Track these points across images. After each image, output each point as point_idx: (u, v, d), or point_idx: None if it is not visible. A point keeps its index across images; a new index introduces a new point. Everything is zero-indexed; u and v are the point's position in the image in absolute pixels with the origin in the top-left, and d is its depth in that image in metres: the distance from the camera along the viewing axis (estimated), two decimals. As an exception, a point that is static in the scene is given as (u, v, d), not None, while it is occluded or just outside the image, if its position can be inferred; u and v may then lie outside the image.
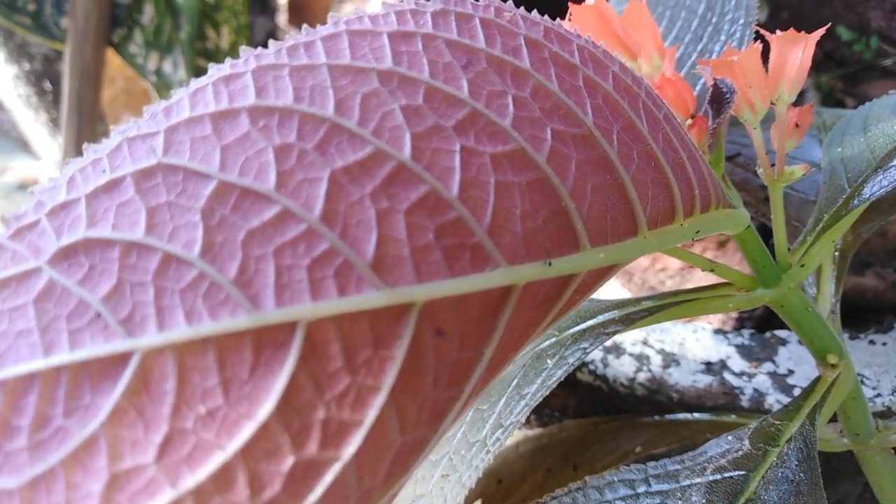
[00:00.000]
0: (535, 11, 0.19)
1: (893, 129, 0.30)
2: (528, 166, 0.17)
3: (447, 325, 0.15)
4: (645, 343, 0.43)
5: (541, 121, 0.17)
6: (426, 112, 0.16)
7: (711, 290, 0.30)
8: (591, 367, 0.42)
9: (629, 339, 0.43)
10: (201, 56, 0.88)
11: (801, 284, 0.34)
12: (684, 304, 0.30)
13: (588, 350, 0.30)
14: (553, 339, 0.32)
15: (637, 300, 0.31)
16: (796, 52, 0.26)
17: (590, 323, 0.31)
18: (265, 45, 0.17)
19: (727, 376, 0.40)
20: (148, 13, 0.77)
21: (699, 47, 0.35)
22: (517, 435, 0.63)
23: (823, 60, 0.79)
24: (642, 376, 0.41)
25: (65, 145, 0.82)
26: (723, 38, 0.33)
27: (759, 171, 0.28)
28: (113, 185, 0.15)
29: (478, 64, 0.17)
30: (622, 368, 0.42)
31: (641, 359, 0.42)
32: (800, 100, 0.78)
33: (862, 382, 0.39)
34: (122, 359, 0.13)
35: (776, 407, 0.39)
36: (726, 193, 0.27)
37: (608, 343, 0.43)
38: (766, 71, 0.27)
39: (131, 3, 0.77)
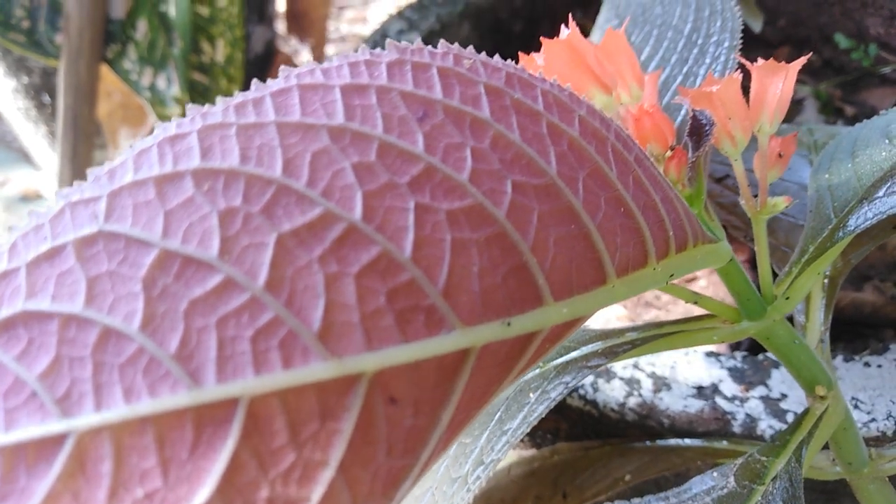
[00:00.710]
0: (496, 56, 0.18)
1: (881, 155, 0.29)
2: (487, 221, 0.16)
3: (400, 393, 0.15)
4: (636, 366, 0.42)
5: (500, 173, 0.17)
6: (379, 169, 0.16)
7: (696, 321, 0.30)
8: (581, 391, 0.41)
9: (620, 362, 0.42)
10: (197, 70, 0.88)
11: (800, 310, 0.33)
12: (668, 336, 0.29)
13: (570, 385, 0.29)
14: (537, 371, 0.32)
15: (621, 331, 0.31)
16: (776, 81, 0.25)
17: (573, 355, 0.30)
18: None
19: (719, 401, 0.40)
20: (141, 29, 0.77)
21: (685, 69, 0.35)
22: (511, 455, 0.62)
23: (822, 68, 0.78)
24: (633, 401, 0.40)
25: (60, 160, 0.82)
26: (707, 60, 0.33)
27: (742, 202, 0.27)
28: (54, 253, 0.14)
29: (434, 116, 0.17)
30: (612, 393, 0.41)
31: (632, 383, 0.41)
32: (797, 108, 0.77)
33: (856, 406, 0.39)
34: (57, 440, 0.13)
35: (768, 433, 0.38)
36: (708, 226, 0.26)
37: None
38: (748, 101, 0.26)
39: (125, 19, 0.77)
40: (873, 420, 0.38)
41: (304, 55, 1.25)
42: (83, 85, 0.76)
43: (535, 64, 0.27)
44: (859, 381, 0.40)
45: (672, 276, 0.21)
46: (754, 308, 0.28)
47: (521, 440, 0.51)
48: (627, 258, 0.19)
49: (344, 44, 1.42)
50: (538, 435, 0.48)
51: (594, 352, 0.30)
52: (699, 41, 0.34)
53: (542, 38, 0.24)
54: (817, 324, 0.32)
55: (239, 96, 0.16)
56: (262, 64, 1.19)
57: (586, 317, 0.19)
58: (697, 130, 0.25)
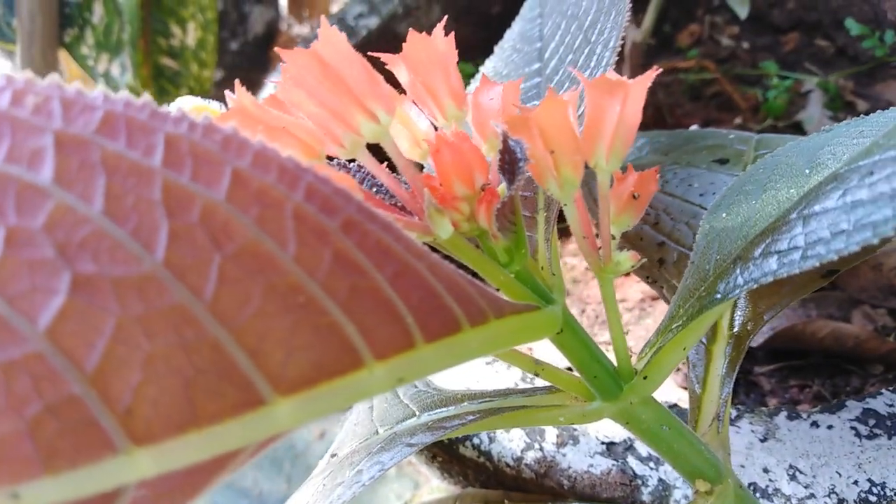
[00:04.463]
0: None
1: (789, 192, 0.23)
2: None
3: None
4: (542, 413, 0.37)
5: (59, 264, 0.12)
6: None
7: (548, 394, 0.24)
8: (475, 440, 0.36)
9: (524, 407, 0.37)
10: (167, 54, 0.84)
11: (697, 376, 0.27)
12: (508, 412, 0.23)
13: (388, 465, 0.24)
14: (364, 442, 0.27)
15: (459, 397, 0.25)
16: (613, 104, 0.19)
17: (397, 428, 0.25)
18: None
19: (631, 461, 0.34)
20: (98, 12, 0.73)
21: (579, 67, 0.29)
22: (424, 488, 0.58)
23: (834, 56, 0.69)
24: (531, 456, 0.35)
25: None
26: (592, 63, 0.27)
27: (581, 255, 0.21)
28: None
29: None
30: (510, 445, 0.35)
31: (535, 433, 0.36)
32: (801, 101, 0.69)
33: (793, 478, 0.32)
34: None
35: (683, 503, 0.32)
36: (538, 290, 0.21)
37: (500, 412, 0.37)
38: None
39: (82, 1, 0.74)
40: (811, 496, 0.32)
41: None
42: (38, 71, 0.73)
43: (399, 66, 0.22)
44: (802, 446, 0.34)
45: (401, 380, 0.16)
46: (606, 387, 0.22)
47: (443, 475, 0.46)
48: (299, 377, 0.14)
49: (348, 24, 1.37)
50: (454, 471, 0.43)
51: (421, 425, 0.25)
52: (592, 37, 0.28)
53: (277, 50, 0.18)
54: (715, 396, 0.26)
55: None
56: (263, 45, 1.15)
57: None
58: (511, 165, 0.20)
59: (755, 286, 0.19)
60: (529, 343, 0.21)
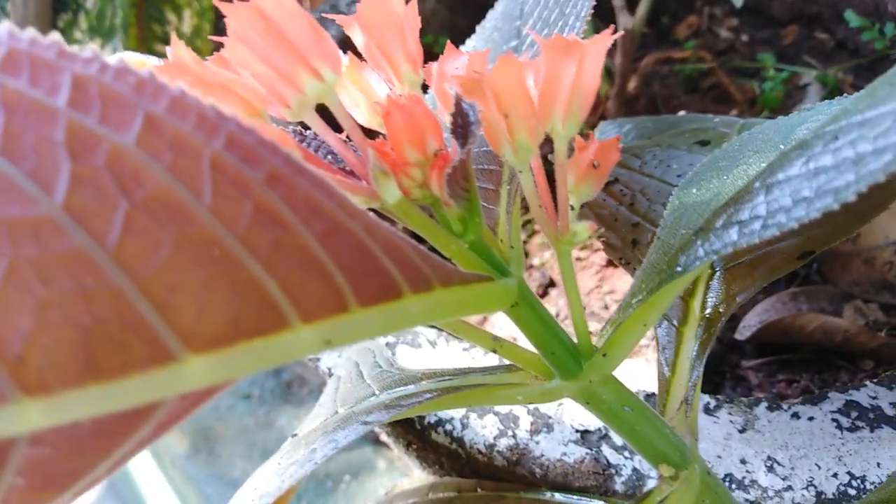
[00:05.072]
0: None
1: (760, 166, 0.22)
2: None
3: None
4: (518, 400, 0.36)
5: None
6: None
7: (506, 372, 0.23)
8: (448, 426, 0.35)
9: (500, 394, 0.36)
10: (161, 41, 0.84)
11: (666, 359, 0.26)
12: (465, 391, 0.23)
13: (341, 442, 0.23)
14: (320, 422, 0.26)
15: (419, 377, 0.25)
16: (569, 65, 0.18)
17: (356, 408, 0.25)
18: None
19: (605, 450, 0.33)
20: (91, -4, 0.73)
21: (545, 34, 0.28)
22: (406, 479, 0.57)
23: (834, 49, 0.68)
24: (503, 443, 0.34)
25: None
26: (565, 34, 0.26)
27: (538, 226, 0.20)
28: None
29: None
30: (483, 431, 0.35)
31: (508, 420, 0.35)
32: (799, 95, 0.68)
33: (771, 469, 0.31)
34: None
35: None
36: (492, 260, 0.20)
37: (474, 398, 0.36)
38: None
39: (76, -14, 0.73)
40: (789, 488, 0.31)
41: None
42: (31, 55, 0.73)
43: (353, 27, 0.21)
44: (781, 437, 0.33)
45: (330, 341, 0.15)
46: (565, 364, 0.21)
47: (427, 464, 0.45)
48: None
49: None
50: (430, 459, 0.43)
51: (377, 404, 0.24)
52: (567, 10, 0.27)
53: (215, 2, 0.17)
54: (684, 380, 0.25)
55: None
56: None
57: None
58: (462, 129, 0.19)
59: (715, 257, 0.18)
60: (483, 314, 0.20)
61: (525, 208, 0.62)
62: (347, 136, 0.20)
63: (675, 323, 0.26)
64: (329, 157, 0.22)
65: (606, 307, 0.54)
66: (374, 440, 0.79)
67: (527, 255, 0.58)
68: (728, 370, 0.49)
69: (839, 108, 0.19)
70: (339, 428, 0.24)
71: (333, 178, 0.18)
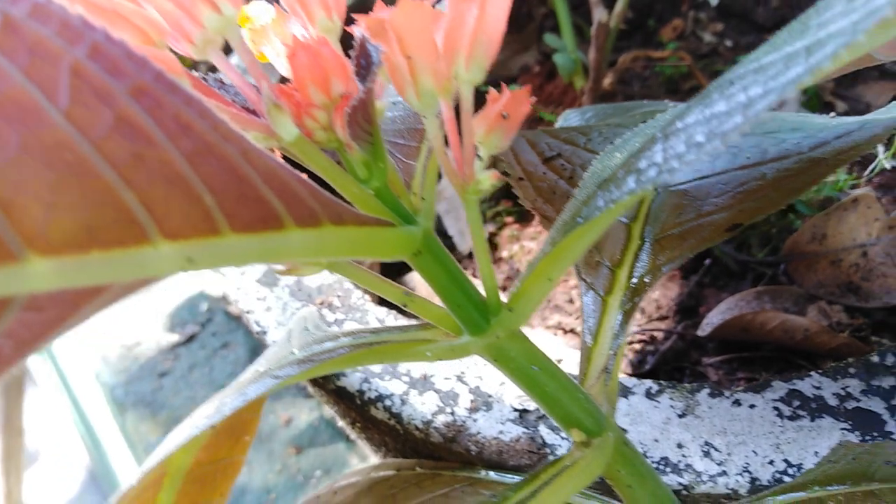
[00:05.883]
0: None
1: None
2: None
3: None
4: (460, 378, 0.35)
5: None
6: None
7: (416, 330, 0.23)
8: (388, 402, 0.35)
9: (442, 371, 0.36)
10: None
11: (590, 328, 0.26)
12: (374, 347, 0.22)
13: (251, 396, 0.23)
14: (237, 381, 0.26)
15: (339, 335, 0.24)
16: (471, 7, 0.18)
17: (273, 366, 0.24)
18: None
19: (542, 430, 0.33)
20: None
21: None
22: (361, 465, 0.56)
23: (815, 55, 0.68)
24: (441, 420, 0.34)
25: None
26: None
27: (445, 177, 0.20)
28: None
29: None
30: (422, 408, 0.34)
31: (448, 397, 0.35)
32: (776, 104, 0.68)
33: (707, 454, 0.31)
34: None
35: (591, 475, 0.31)
36: (403, 209, 0.20)
37: (416, 374, 0.36)
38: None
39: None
40: (723, 473, 0.30)
41: None
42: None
43: None
44: (721, 423, 0.32)
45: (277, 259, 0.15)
46: (471, 319, 0.21)
47: (375, 445, 0.45)
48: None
49: None
50: (375, 439, 0.42)
51: (295, 360, 0.24)
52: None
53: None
54: (605, 348, 0.24)
55: None
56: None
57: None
58: (365, 70, 0.19)
59: (613, 206, 0.18)
60: (380, 259, 0.20)
61: (495, 199, 0.62)
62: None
63: (601, 293, 0.26)
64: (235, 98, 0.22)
65: (571, 301, 0.54)
66: (346, 438, 0.78)
67: (496, 247, 0.58)
68: (688, 366, 0.48)
69: (747, 60, 0.19)
70: (251, 383, 0.24)
71: (228, 112, 0.18)
